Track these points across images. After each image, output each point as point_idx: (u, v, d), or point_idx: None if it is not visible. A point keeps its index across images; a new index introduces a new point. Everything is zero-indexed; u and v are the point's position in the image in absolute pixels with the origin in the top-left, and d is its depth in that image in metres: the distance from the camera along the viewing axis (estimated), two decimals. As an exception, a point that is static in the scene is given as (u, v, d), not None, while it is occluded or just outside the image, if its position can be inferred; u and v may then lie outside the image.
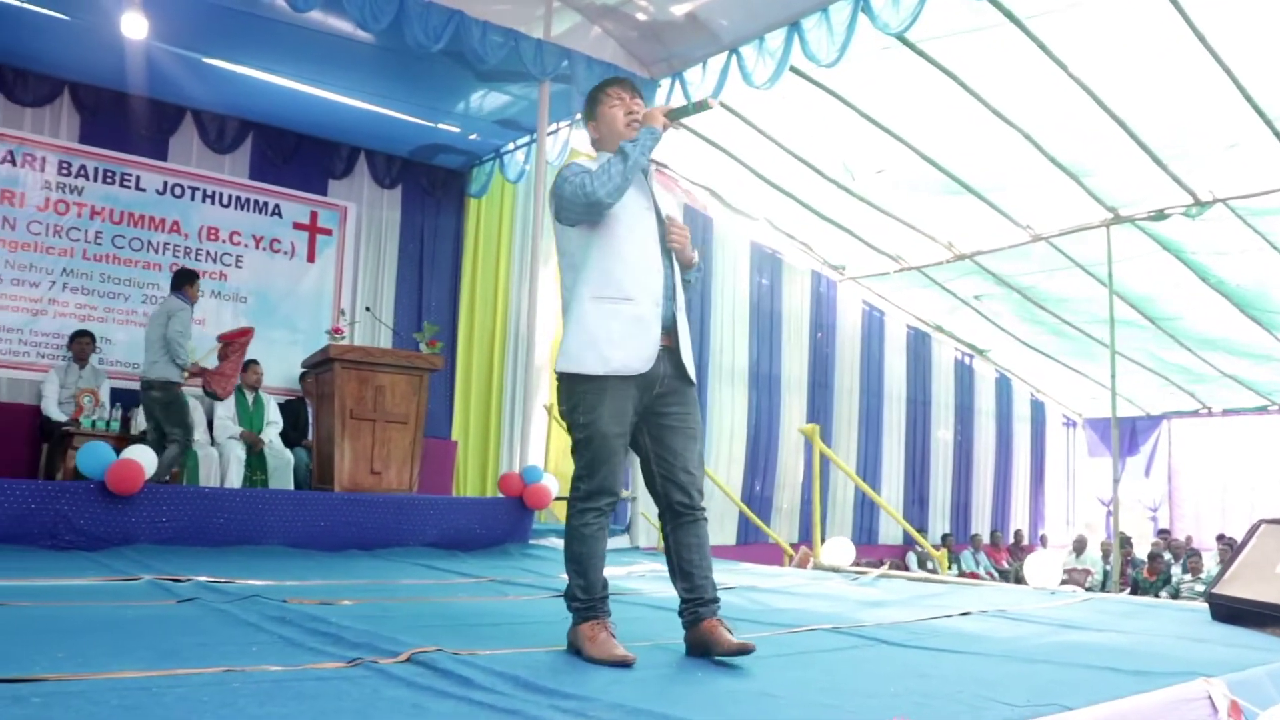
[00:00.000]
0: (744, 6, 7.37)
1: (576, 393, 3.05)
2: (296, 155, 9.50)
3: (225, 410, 8.20)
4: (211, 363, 7.67)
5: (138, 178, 8.68)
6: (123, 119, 8.66)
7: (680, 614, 3.08)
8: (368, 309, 9.06)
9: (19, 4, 7.30)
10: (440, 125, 9.36)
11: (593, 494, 3.04)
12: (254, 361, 8.38)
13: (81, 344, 7.92)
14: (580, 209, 3.03)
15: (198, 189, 8.95)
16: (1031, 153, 9.31)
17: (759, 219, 12.06)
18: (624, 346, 3.02)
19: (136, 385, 8.24)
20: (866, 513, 13.33)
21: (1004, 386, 15.46)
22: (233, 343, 7.77)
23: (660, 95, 8.29)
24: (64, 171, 8.38)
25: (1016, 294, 12.26)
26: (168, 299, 7.23)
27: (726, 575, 5.90)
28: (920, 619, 4.18)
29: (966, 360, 14.86)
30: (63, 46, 7.89)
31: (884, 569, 6.43)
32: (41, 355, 8.07)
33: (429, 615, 3.83)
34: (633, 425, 3.09)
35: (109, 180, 8.55)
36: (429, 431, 9.47)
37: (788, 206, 11.43)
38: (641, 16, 7.85)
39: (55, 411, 7.64)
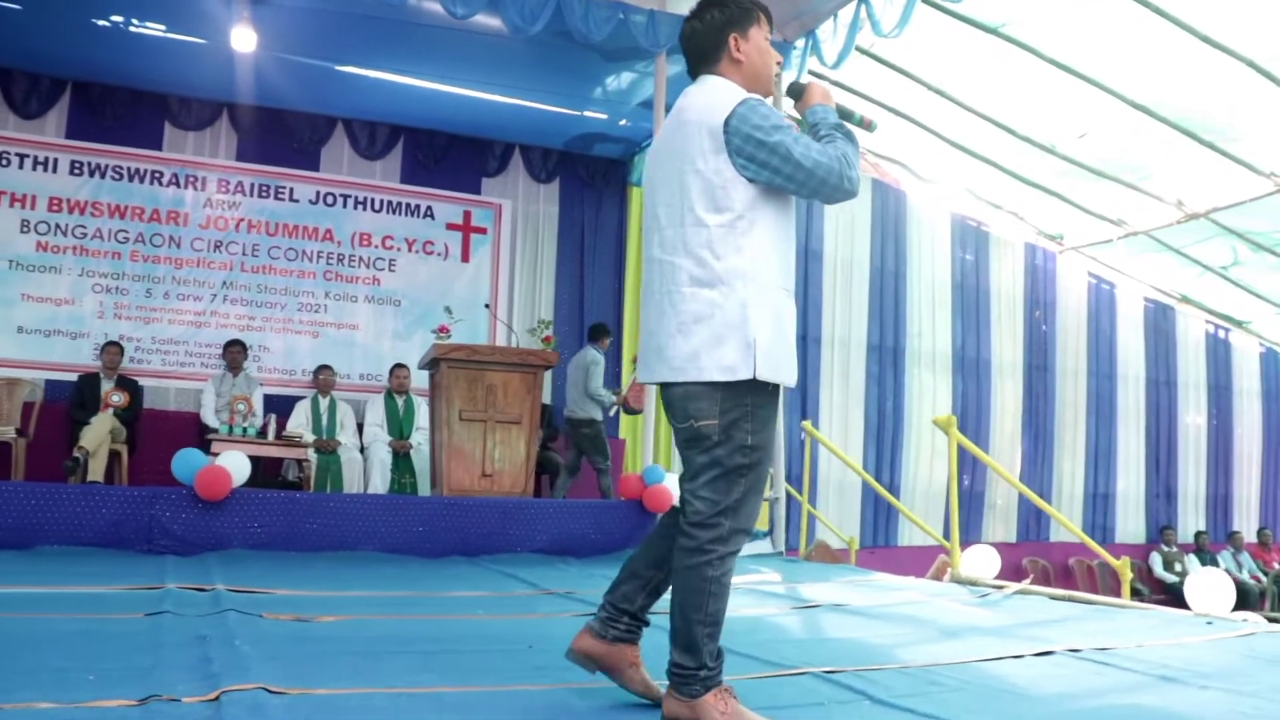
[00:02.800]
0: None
1: (747, 405, 2.39)
2: (448, 156, 9.46)
3: (374, 416, 8.24)
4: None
5: (291, 189, 8.89)
6: (277, 134, 8.91)
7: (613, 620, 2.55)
8: (486, 306, 8.85)
9: (173, 36, 7.62)
10: (587, 113, 9.05)
11: (737, 534, 2.41)
12: (401, 365, 8.39)
13: (233, 353, 8.15)
14: (819, 185, 2.38)
15: (349, 196, 9.07)
16: (1263, 86, 7.94)
17: (958, 189, 11.02)
18: (784, 350, 2.44)
19: (288, 391, 8.48)
20: (1099, 507, 11.91)
21: (1271, 362, 13.43)
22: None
23: (795, 60, 7.59)
24: (223, 189, 8.69)
25: (1272, 255, 10.57)
26: (585, 350, 8.29)
27: (829, 588, 5.21)
28: (975, 659, 3.40)
29: (1221, 334, 13.01)
30: (220, 71, 8.15)
31: (1025, 583, 5.51)
32: (204, 365, 8.39)
33: (409, 635, 3.46)
34: None
35: (264, 194, 8.80)
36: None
37: (989, 174, 10.35)
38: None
39: (211, 419, 7.88)
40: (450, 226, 9.39)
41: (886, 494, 8.33)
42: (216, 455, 6.25)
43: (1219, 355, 12.97)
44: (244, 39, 7.26)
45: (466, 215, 9.45)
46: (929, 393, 10.91)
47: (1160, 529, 12.14)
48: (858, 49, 8.60)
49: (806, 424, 7.59)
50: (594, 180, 9.94)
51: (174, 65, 8.01)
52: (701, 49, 2.57)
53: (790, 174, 2.36)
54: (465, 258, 9.41)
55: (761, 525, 7.75)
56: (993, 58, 8.31)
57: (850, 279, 10.60)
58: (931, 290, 11.01)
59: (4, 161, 8.13)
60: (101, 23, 7.45)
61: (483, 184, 9.61)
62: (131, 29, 7.57)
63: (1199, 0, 7.30)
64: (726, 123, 2.38)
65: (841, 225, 10.60)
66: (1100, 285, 12.16)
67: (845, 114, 2.60)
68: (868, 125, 2.66)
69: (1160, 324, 12.53)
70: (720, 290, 2.38)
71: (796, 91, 2.64)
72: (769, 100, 2.53)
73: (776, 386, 2.43)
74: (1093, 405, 11.99)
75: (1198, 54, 7.73)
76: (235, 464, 6.02)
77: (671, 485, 6.90)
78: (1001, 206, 11.20)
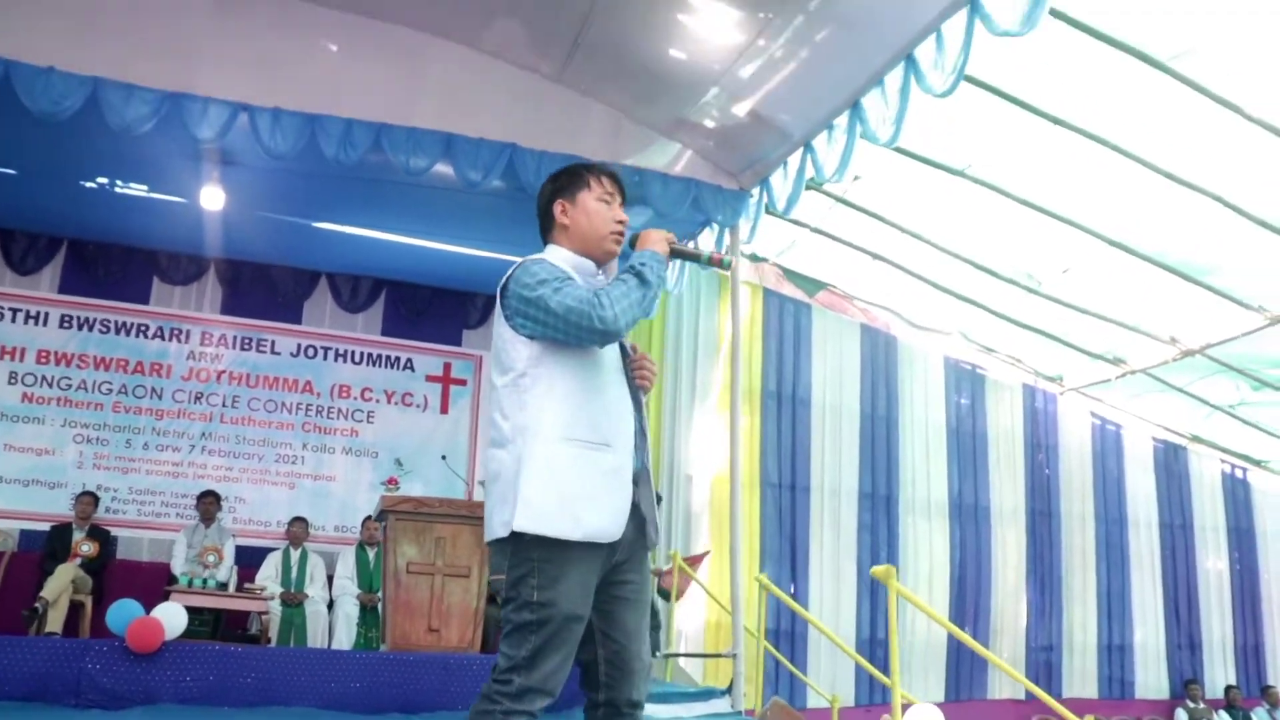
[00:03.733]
0: (803, 94, 6.76)
1: (532, 560, 2.41)
2: (430, 308, 9.68)
3: (345, 569, 8.24)
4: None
5: (273, 342, 9.14)
6: (261, 288, 9.21)
7: None
8: (443, 458, 8.89)
9: (155, 195, 8.00)
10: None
11: (529, 692, 2.36)
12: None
13: (207, 504, 8.25)
14: (574, 331, 2.45)
15: (330, 348, 9.29)
16: (1235, 221, 7.94)
17: (951, 333, 10.99)
18: (600, 506, 2.45)
19: (261, 542, 8.51)
20: (1116, 660, 11.39)
21: (1296, 502, 12.95)
22: (694, 564, 8.17)
23: (751, 207, 7.73)
24: (206, 342, 8.97)
25: (1275, 391, 10.33)
26: None
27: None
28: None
29: (1239, 474, 12.61)
30: (204, 228, 8.50)
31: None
32: (179, 515, 8.49)
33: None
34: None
35: (246, 347, 9.06)
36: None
37: (981, 317, 10.34)
38: (709, 123, 7.39)
39: (180, 567, 7.92)
40: (430, 378, 9.54)
41: (848, 649, 8.00)
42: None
43: (1238, 496, 12.54)
44: (213, 198, 7.58)
45: (446, 367, 9.61)
46: (925, 542, 10.65)
47: (1185, 683, 11.55)
48: (834, 197, 8.83)
49: (762, 576, 7.41)
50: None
51: (160, 223, 8.36)
52: (540, 221, 2.82)
53: (551, 323, 2.46)
54: (444, 409, 9.52)
55: (720, 683, 7.53)
56: (965, 199, 8.42)
57: (840, 425, 10.52)
58: (925, 436, 10.87)
59: (-1, 316, 8.50)
60: (89, 185, 7.85)
61: (464, 335, 9.80)
62: (117, 189, 7.95)
63: (1161, 139, 7.39)
64: (504, 288, 2.58)
65: (830, 371, 10.58)
66: (1105, 426, 11.92)
67: (693, 255, 2.77)
68: (718, 262, 2.76)
69: (1172, 465, 12.19)
70: (506, 449, 2.47)
71: (632, 240, 2.77)
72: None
73: (571, 541, 2.40)
74: (1102, 551, 11.59)
75: (1167, 191, 7.79)
76: (169, 615, 6.00)
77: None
78: (996, 350, 11.14)
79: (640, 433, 2.61)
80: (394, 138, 6.87)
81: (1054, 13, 6.19)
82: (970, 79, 6.86)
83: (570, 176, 2.78)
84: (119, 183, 7.88)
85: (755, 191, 7.67)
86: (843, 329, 10.72)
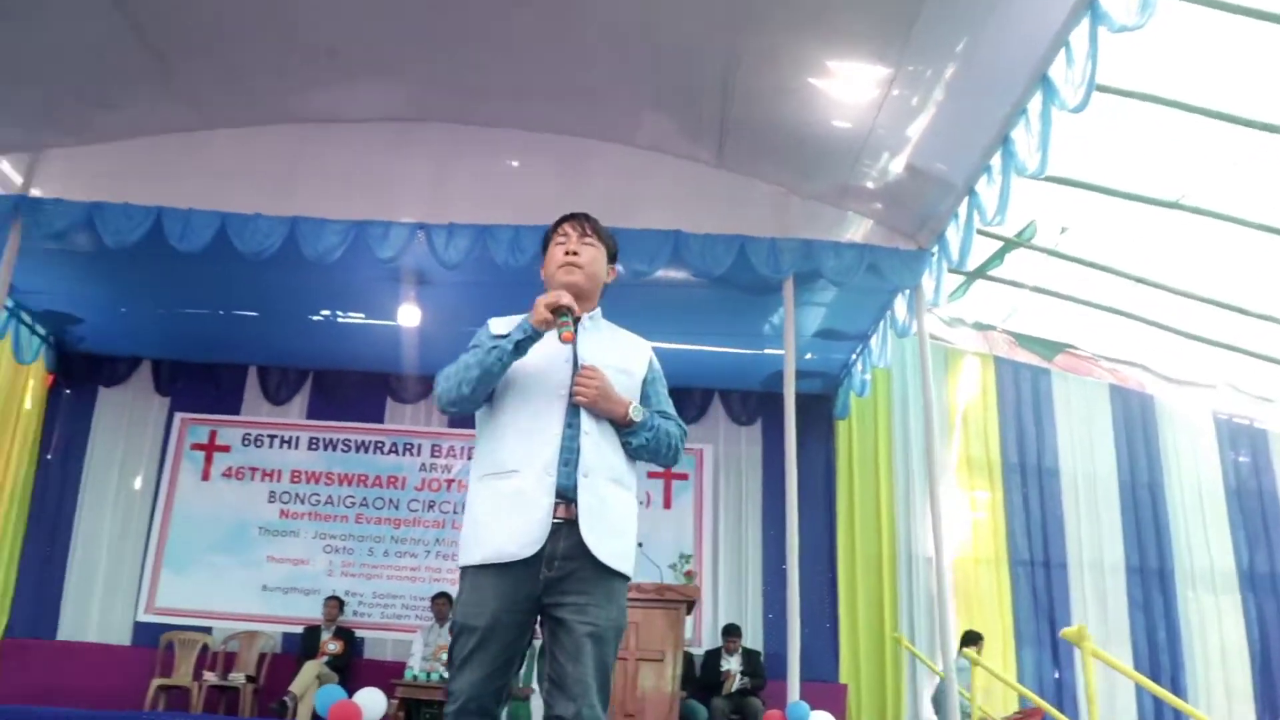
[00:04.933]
0: (951, 138, 6.49)
1: (460, 588, 2.61)
2: (646, 406, 9.84)
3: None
4: None
5: (500, 449, 9.59)
6: (487, 401, 9.74)
7: None
8: (639, 545, 8.80)
9: (372, 322, 8.80)
10: (767, 351, 9.18)
11: (455, 703, 2.48)
12: None
13: (440, 605, 8.66)
14: (441, 396, 2.70)
15: (553, 451, 9.64)
16: None
17: (1216, 385, 9.87)
18: (498, 529, 2.53)
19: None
20: None
21: None
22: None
23: (933, 265, 7.39)
24: (436, 454, 9.59)
25: None
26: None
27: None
28: None
29: None
30: (425, 350, 9.18)
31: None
32: (417, 617, 8.98)
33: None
34: (523, 620, 2.53)
35: (471, 455, 9.52)
36: (811, 675, 8.84)
37: (1247, 363, 9.26)
38: (870, 185, 7.21)
39: (416, 665, 8.35)
40: (651, 475, 9.63)
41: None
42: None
43: None
44: (410, 315, 8.21)
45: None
46: (1212, 618, 9.40)
47: None
48: (1047, 251, 8.31)
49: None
50: (798, 419, 9.87)
51: (386, 347, 9.10)
52: None
53: None
54: (667, 504, 9.60)
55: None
56: (1184, 232, 7.68)
57: (1095, 495, 9.60)
58: (1199, 500, 9.68)
59: (258, 442, 9.54)
60: (315, 318, 8.74)
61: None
62: (339, 320, 8.80)
63: None
64: None
65: (1078, 438, 9.75)
66: None
67: (566, 314, 2.58)
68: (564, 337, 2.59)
69: None
70: None
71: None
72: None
73: (475, 566, 2.53)
74: None
75: None
76: (368, 701, 6.38)
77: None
78: (1275, 399, 9.87)
79: (574, 449, 2.56)
80: (560, 238, 7.19)
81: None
82: (1164, 101, 6.38)
83: (545, 237, 2.89)
84: (339, 313, 8.73)
85: (935, 249, 7.36)
86: (1089, 392, 9.89)
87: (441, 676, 7.71)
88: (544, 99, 7.27)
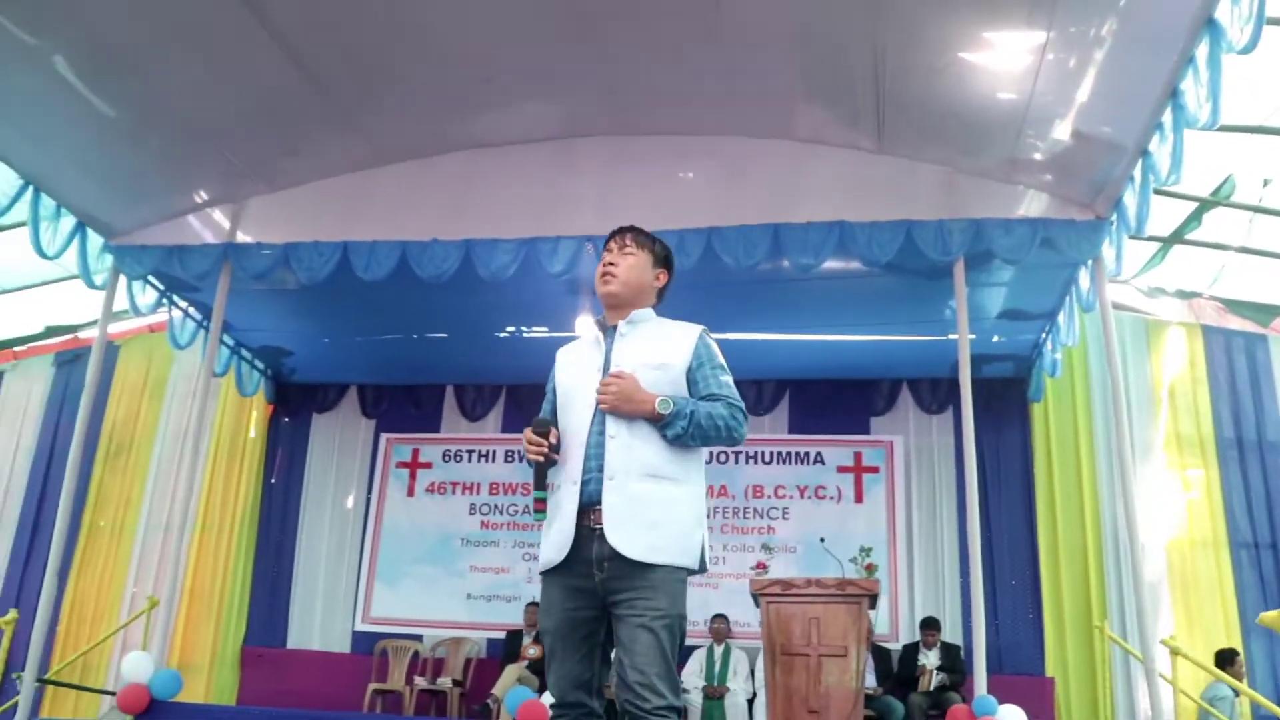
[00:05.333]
0: (1116, 97, 6.14)
1: None
2: (834, 401, 9.75)
3: (694, 665, 8.55)
4: None
5: (688, 452, 9.70)
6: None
7: None
8: (821, 540, 8.62)
9: (555, 335, 9.07)
10: (950, 336, 8.91)
11: (553, 698, 2.80)
12: (722, 616, 8.69)
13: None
14: None
15: (740, 452, 9.65)
16: None
17: None
18: (546, 541, 2.87)
19: (690, 641, 8.86)
20: None
21: None
22: None
23: (1113, 235, 6.99)
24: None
25: None
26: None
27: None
28: None
29: None
30: None
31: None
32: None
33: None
34: (590, 618, 2.76)
35: (665, 460, 9.69)
36: (1015, 668, 8.58)
37: None
38: (1038, 156, 6.89)
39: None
40: (841, 470, 9.55)
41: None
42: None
43: None
44: (586, 326, 8.39)
45: (857, 456, 9.57)
46: None
47: None
48: (1250, 208, 7.78)
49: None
50: (991, 403, 9.55)
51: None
52: None
53: None
54: (859, 498, 9.45)
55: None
56: None
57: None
58: None
59: (458, 458, 10.00)
60: (501, 335, 9.09)
61: (871, 423, 9.73)
62: (524, 335, 9.12)
63: None
64: None
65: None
66: None
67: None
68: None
69: None
70: None
71: None
72: None
73: (545, 574, 2.90)
74: None
75: None
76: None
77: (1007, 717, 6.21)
78: None
79: (598, 458, 2.77)
80: (723, 238, 7.23)
81: None
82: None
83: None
84: (524, 328, 9.05)
85: (1114, 218, 6.97)
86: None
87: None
88: (701, 103, 7.30)
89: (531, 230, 7.42)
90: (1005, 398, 9.53)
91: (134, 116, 7.01)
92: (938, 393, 9.68)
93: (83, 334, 10.43)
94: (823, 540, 8.31)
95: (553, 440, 2.85)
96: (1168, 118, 5.89)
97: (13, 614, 7.59)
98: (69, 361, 10.44)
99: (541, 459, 2.84)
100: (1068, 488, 9.08)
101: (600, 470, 2.75)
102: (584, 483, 2.76)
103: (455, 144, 7.72)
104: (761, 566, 7.28)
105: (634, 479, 2.73)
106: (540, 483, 2.88)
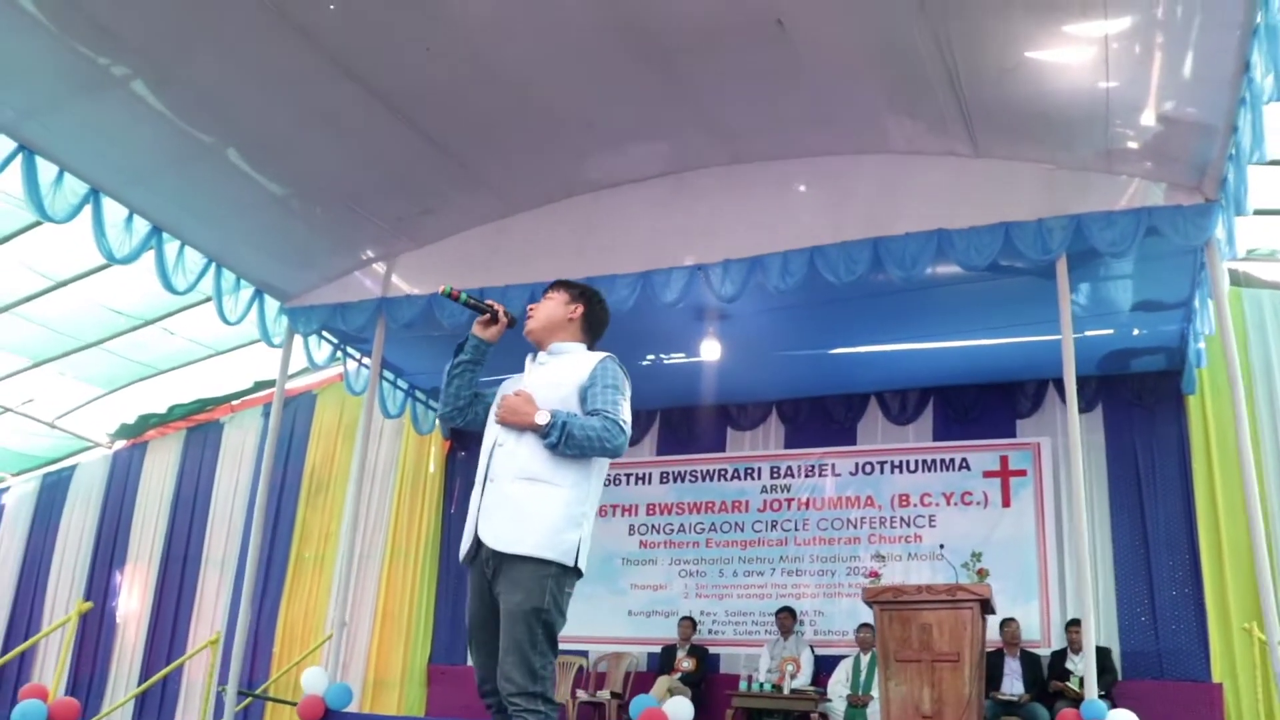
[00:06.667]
0: (1188, 76, 6.02)
1: None
2: (978, 406, 9.70)
3: (841, 674, 8.67)
4: None
5: (833, 465, 9.91)
6: (818, 419, 10.13)
7: None
8: (940, 547, 8.51)
9: (691, 360, 9.50)
10: (1088, 333, 8.75)
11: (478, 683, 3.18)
12: (868, 625, 8.62)
13: (783, 619, 9.11)
14: None
15: (885, 462, 9.77)
16: None
17: None
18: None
19: (837, 651, 9.09)
20: None
21: None
22: None
23: (1220, 217, 6.78)
24: (775, 475, 10.04)
25: None
26: None
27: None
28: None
29: None
30: (770, 374, 9.81)
31: None
32: (766, 633, 9.44)
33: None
34: (493, 614, 3.08)
35: (810, 474, 9.95)
36: (1178, 674, 8.36)
37: None
38: (1132, 145, 6.77)
39: (762, 677, 8.81)
40: (987, 474, 9.48)
41: None
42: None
43: None
44: (711, 350, 8.78)
45: (1003, 460, 9.48)
46: None
47: None
48: None
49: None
50: (1143, 398, 9.29)
51: (714, 379, 9.75)
52: None
53: None
54: (1006, 503, 9.36)
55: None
56: None
57: None
58: None
59: (617, 481, 10.54)
60: (644, 362, 9.57)
61: (1017, 426, 9.61)
62: (665, 362, 9.58)
63: None
64: None
65: None
66: None
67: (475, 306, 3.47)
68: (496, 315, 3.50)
69: None
70: None
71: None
72: None
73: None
74: None
75: None
76: (676, 710, 6.94)
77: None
78: None
79: (487, 466, 3.19)
80: (825, 256, 7.48)
81: None
82: None
83: None
84: (663, 356, 9.51)
85: (1221, 198, 6.77)
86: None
87: (764, 686, 8.16)
88: (798, 127, 7.55)
89: (648, 263, 7.88)
90: (1159, 391, 9.24)
91: (295, 193, 7.99)
92: (1086, 390, 9.42)
93: (288, 385, 11.65)
94: (942, 548, 8.38)
95: (498, 308, 3.43)
96: (1248, 93, 5.77)
97: (216, 635, 8.65)
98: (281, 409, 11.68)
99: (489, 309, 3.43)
100: (1230, 482, 8.68)
101: (485, 479, 3.15)
102: (482, 488, 3.15)
103: (574, 189, 8.29)
104: (874, 575, 7.44)
105: (509, 481, 3.09)
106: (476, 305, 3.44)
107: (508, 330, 3.51)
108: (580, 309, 3.47)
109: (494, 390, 3.40)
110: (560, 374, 3.29)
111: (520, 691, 2.89)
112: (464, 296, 3.43)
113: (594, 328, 3.50)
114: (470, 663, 3.19)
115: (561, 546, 3.03)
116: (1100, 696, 7.86)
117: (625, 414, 3.20)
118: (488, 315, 3.43)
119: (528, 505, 3.06)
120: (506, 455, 3.14)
